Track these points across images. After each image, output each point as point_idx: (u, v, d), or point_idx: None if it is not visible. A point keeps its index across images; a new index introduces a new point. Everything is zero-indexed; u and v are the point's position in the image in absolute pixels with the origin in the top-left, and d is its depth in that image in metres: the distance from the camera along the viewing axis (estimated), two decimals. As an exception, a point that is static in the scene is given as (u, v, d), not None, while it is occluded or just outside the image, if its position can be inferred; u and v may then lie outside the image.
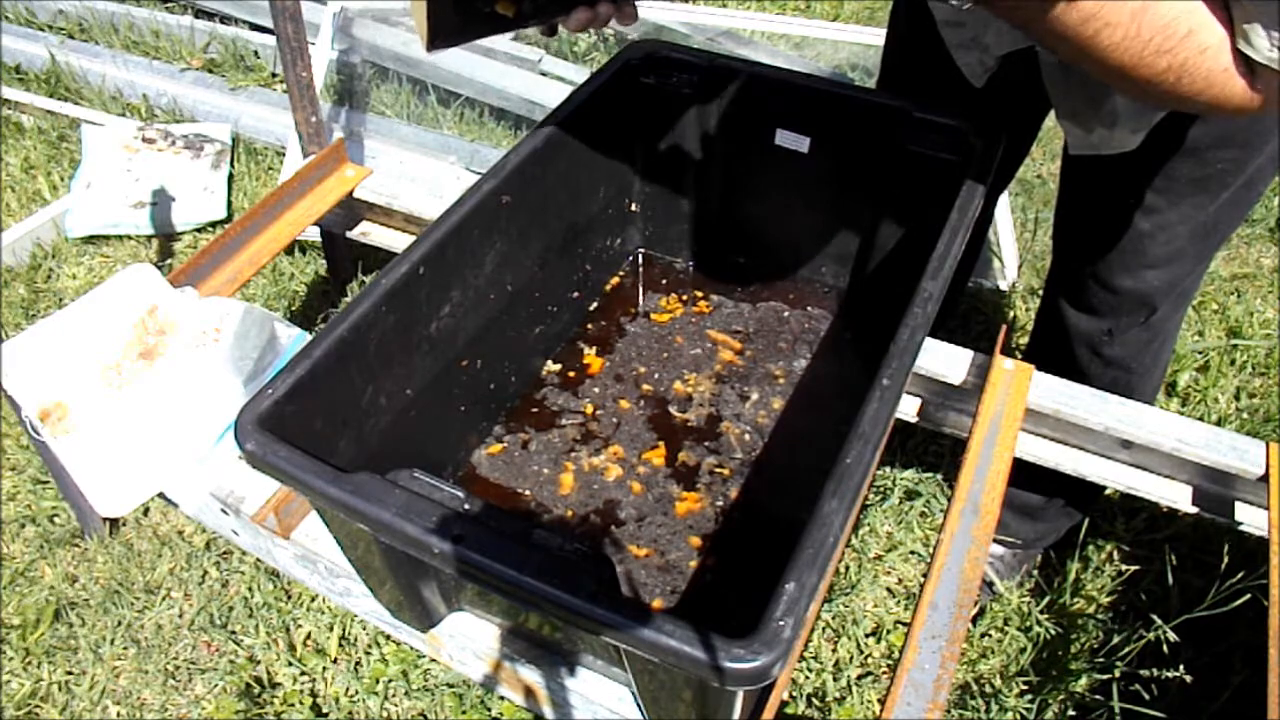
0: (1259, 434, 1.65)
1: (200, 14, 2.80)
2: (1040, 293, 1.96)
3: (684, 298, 1.31)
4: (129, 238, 2.13)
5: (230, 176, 2.25)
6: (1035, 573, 1.48)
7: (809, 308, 1.29)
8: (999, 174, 1.30)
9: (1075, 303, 1.19)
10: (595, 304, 1.30)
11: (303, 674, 1.37)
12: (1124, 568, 1.46)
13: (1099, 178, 1.07)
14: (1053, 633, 1.38)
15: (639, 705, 0.85)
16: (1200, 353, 1.80)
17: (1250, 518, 1.13)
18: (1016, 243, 2.02)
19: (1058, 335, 1.24)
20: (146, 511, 1.58)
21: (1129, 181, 1.04)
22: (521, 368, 1.17)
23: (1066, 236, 1.20)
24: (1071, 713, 1.29)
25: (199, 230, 2.16)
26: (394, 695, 1.34)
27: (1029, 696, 1.29)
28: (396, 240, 1.63)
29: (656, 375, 1.20)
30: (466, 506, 0.70)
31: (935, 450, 1.63)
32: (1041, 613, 1.40)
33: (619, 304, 1.30)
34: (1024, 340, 1.86)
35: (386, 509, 0.68)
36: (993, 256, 1.99)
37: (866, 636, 1.38)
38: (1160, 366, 1.25)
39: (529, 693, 0.94)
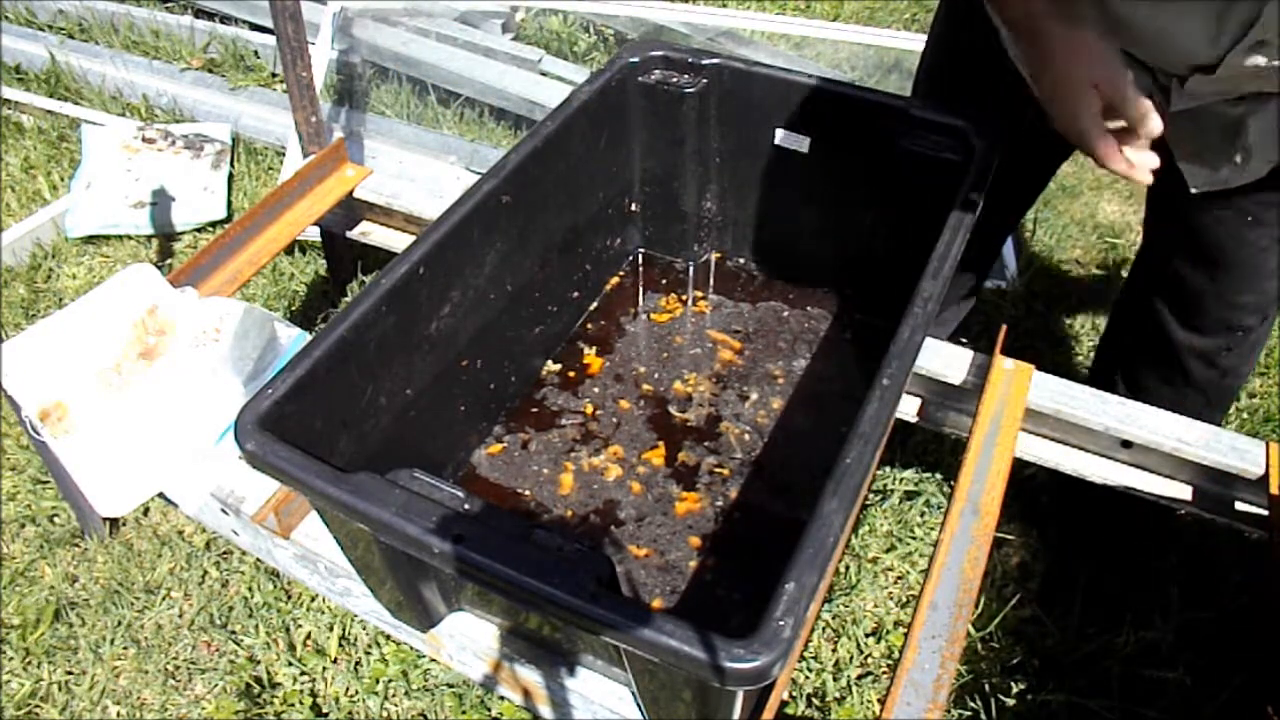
0: (1259, 434, 1.65)
1: (200, 14, 2.80)
2: (1039, 293, 1.97)
3: (684, 298, 1.31)
4: (129, 238, 2.13)
5: (230, 176, 2.25)
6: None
7: (809, 308, 1.29)
8: (1032, 181, 1.29)
9: (1188, 322, 1.17)
10: (595, 304, 1.30)
11: (303, 674, 1.37)
12: (1124, 568, 1.46)
13: (1207, 204, 1.05)
14: (1052, 633, 1.38)
15: (639, 705, 0.85)
16: (1200, 353, 1.80)
17: (1250, 518, 1.13)
18: (1016, 243, 2.02)
19: (1166, 353, 1.21)
20: (146, 511, 1.58)
21: (1249, 204, 1.02)
22: (521, 368, 1.17)
23: (1169, 260, 1.16)
24: (1071, 713, 1.29)
25: (199, 230, 2.16)
26: (394, 695, 1.34)
27: (1029, 696, 1.29)
28: (396, 240, 1.63)
29: (656, 375, 1.20)
30: (466, 506, 0.70)
31: (935, 450, 1.63)
32: (1041, 612, 1.40)
33: (619, 304, 1.30)
34: (1025, 340, 1.86)
35: (386, 509, 0.68)
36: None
37: (866, 636, 1.38)
38: (1257, 358, 1.24)
39: (529, 693, 0.94)
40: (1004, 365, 1.16)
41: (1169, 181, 1.05)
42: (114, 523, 1.55)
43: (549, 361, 1.21)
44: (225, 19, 2.77)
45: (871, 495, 1.56)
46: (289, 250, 2.01)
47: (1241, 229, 1.05)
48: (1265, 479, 1.07)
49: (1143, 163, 0.82)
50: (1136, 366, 1.27)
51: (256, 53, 2.62)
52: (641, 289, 1.33)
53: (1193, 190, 1.03)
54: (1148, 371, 1.25)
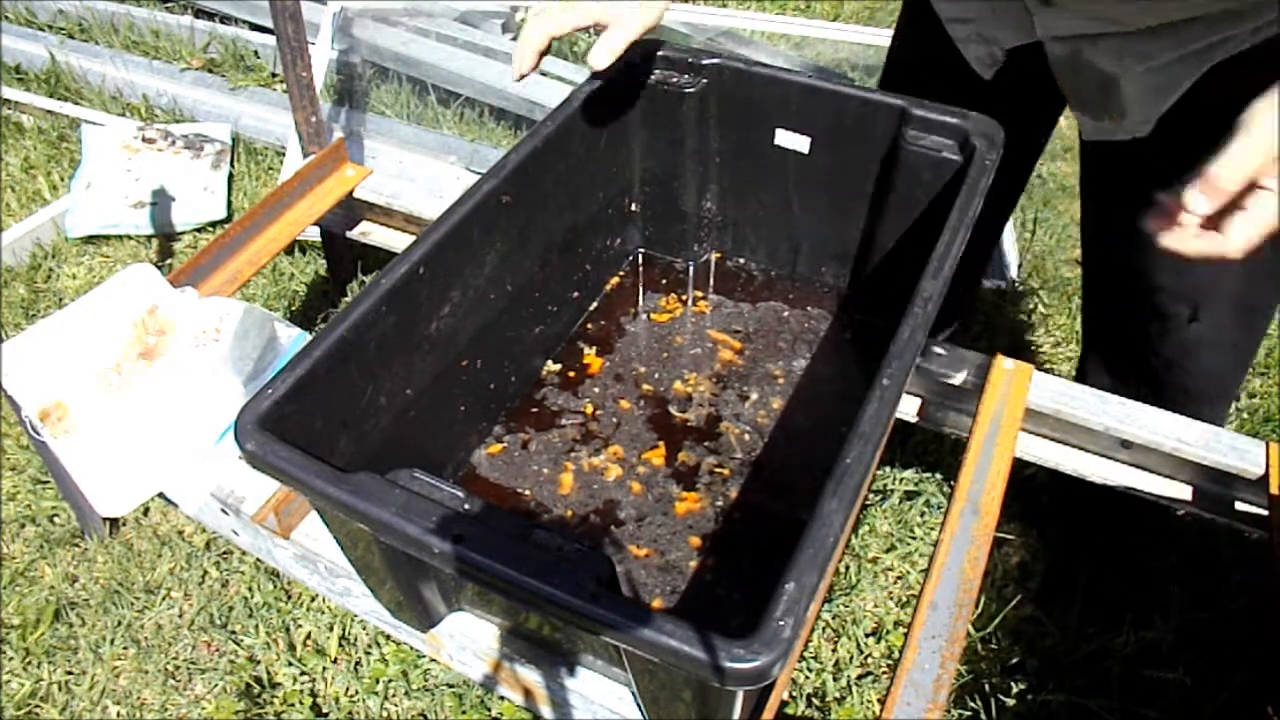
0: (1259, 434, 1.65)
1: (200, 14, 2.80)
2: (1039, 293, 1.97)
3: (684, 298, 1.31)
4: (129, 238, 2.13)
5: (230, 176, 2.25)
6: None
7: (809, 308, 1.29)
8: (1013, 176, 1.30)
9: (1119, 303, 1.18)
10: (595, 304, 1.30)
11: (303, 674, 1.37)
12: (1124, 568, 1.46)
13: (1121, 172, 1.07)
14: (1052, 633, 1.38)
15: (639, 705, 0.85)
16: (1200, 353, 1.80)
17: (1250, 518, 1.13)
18: (1016, 243, 2.02)
19: (1108, 337, 1.23)
20: (146, 511, 1.58)
21: (1151, 174, 1.02)
22: (521, 368, 1.17)
23: (1098, 237, 1.19)
24: (1071, 713, 1.29)
25: (199, 230, 2.16)
26: (394, 695, 1.34)
27: (1029, 696, 1.30)
28: (396, 240, 1.63)
29: (656, 375, 1.20)
30: (466, 506, 0.70)
31: (935, 450, 1.63)
32: (1041, 613, 1.40)
33: (619, 304, 1.30)
34: (1025, 340, 1.86)
35: (386, 509, 0.68)
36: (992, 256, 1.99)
37: (866, 636, 1.38)
38: (1227, 382, 1.22)
39: (529, 693, 0.94)
40: (1004, 365, 1.16)
41: (1092, 151, 1.08)
42: (114, 523, 1.55)
43: (549, 361, 1.21)
44: (225, 19, 2.77)
45: (871, 495, 1.56)
46: (289, 250, 2.01)
47: (1149, 200, 1.05)
48: (1265, 479, 1.07)
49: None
50: (1092, 351, 1.29)
51: (256, 53, 2.62)
52: (641, 289, 1.33)
53: (1085, 138, 1.06)
54: (1100, 356, 1.26)
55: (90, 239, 2.12)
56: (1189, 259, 1.05)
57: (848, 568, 1.46)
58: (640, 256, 1.37)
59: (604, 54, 0.96)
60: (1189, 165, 1.00)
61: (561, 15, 0.95)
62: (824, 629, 1.40)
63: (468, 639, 0.94)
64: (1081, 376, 1.26)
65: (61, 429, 1.12)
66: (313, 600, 1.44)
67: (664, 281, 1.34)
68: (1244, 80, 0.85)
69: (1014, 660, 1.35)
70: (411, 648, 1.32)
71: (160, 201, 2.15)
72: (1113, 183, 1.10)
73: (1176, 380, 1.19)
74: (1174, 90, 0.94)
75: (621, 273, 1.35)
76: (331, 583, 1.03)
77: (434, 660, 1.22)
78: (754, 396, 1.17)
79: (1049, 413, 1.15)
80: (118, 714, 1.35)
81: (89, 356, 1.15)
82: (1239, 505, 1.14)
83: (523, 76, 0.98)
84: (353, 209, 1.64)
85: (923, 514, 1.54)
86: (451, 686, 1.33)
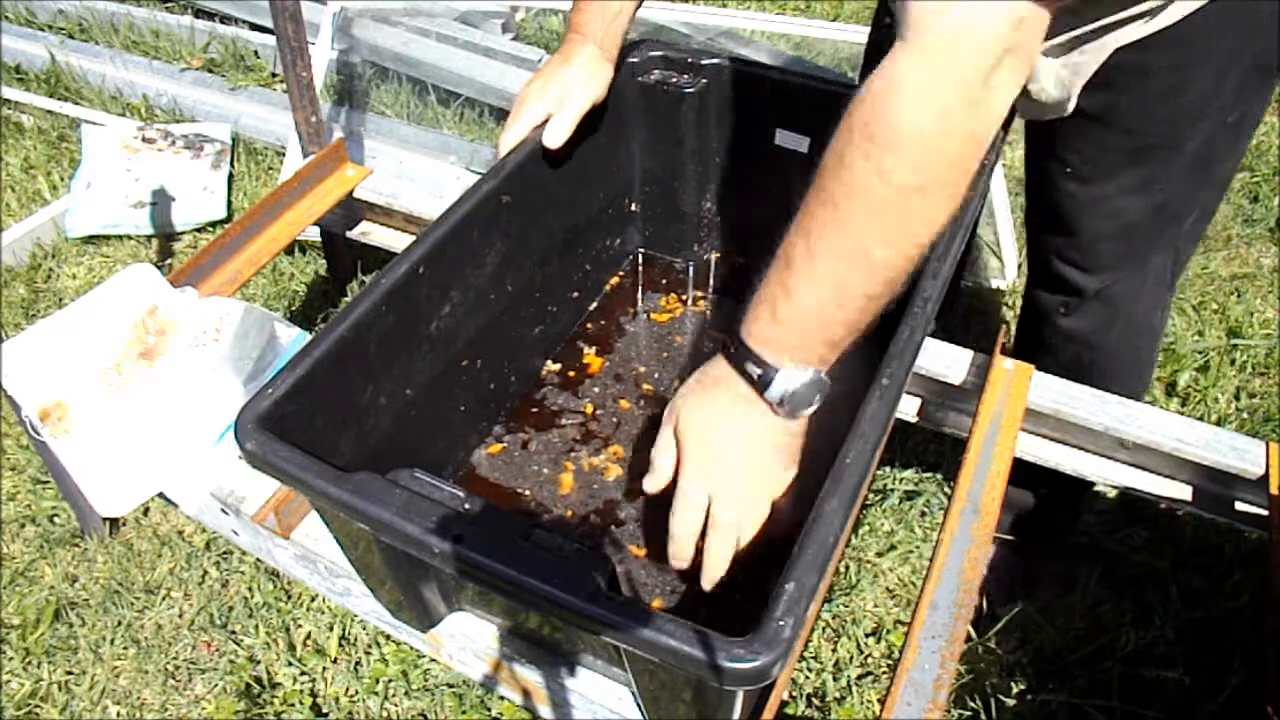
0: (1259, 434, 1.65)
1: (200, 14, 2.80)
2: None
3: (684, 298, 1.31)
4: (129, 238, 2.13)
5: (230, 176, 2.25)
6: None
7: (809, 308, 1.29)
8: None
9: (1036, 276, 1.22)
10: (595, 304, 1.30)
11: (303, 674, 1.37)
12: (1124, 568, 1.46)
13: (1044, 147, 1.10)
14: (1052, 633, 1.38)
15: (639, 705, 0.85)
16: (1200, 353, 1.80)
17: (1250, 518, 1.13)
18: (1016, 243, 2.02)
19: (1027, 312, 1.27)
20: (146, 511, 1.58)
21: (1065, 151, 1.06)
22: (521, 368, 1.17)
23: (1028, 211, 1.23)
24: (1071, 713, 1.29)
25: (199, 230, 2.16)
26: (394, 695, 1.34)
27: (1029, 696, 1.30)
28: (396, 240, 1.63)
29: (656, 375, 1.20)
30: (466, 506, 0.70)
31: (935, 450, 1.63)
32: (1041, 613, 1.40)
33: (619, 304, 1.30)
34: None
35: (386, 509, 0.68)
36: (992, 256, 1.99)
37: (866, 636, 1.38)
38: (1137, 354, 1.24)
39: (529, 693, 0.94)
40: (1004, 365, 1.16)
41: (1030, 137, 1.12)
42: (114, 523, 1.55)
43: (549, 361, 1.21)
44: (225, 19, 2.77)
45: (871, 495, 1.56)
46: (289, 250, 2.01)
47: (1061, 176, 1.08)
48: (1265, 479, 1.07)
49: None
50: (1019, 327, 1.33)
51: (256, 53, 2.62)
52: (641, 289, 1.33)
53: (1020, 115, 1.08)
54: (1021, 330, 1.30)
55: (90, 239, 2.12)
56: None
57: (848, 568, 1.46)
58: (640, 256, 1.37)
59: (556, 134, 1.03)
60: (1101, 148, 1.04)
61: (523, 119, 1.04)
62: (824, 629, 1.40)
63: (468, 639, 0.94)
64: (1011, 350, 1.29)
65: (61, 429, 1.12)
66: (313, 600, 1.44)
67: (664, 281, 1.34)
68: (1138, 66, 0.93)
69: (1014, 660, 1.35)
70: (411, 648, 1.32)
71: (160, 201, 2.15)
72: (1038, 162, 1.13)
73: (1086, 358, 1.22)
74: (1084, 72, 0.96)
75: (621, 273, 1.34)
76: (331, 583, 1.03)
77: (434, 660, 1.22)
78: (754, 396, 1.17)
79: (1049, 413, 1.15)
80: (118, 714, 1.35)
81: (89, 356, 1.15)
82: (1239, 505, 1.14)
83: None
84: (353, 209, 1.64)
85: (923, 514, 1.54)
86: (451, 686, 1.33)
